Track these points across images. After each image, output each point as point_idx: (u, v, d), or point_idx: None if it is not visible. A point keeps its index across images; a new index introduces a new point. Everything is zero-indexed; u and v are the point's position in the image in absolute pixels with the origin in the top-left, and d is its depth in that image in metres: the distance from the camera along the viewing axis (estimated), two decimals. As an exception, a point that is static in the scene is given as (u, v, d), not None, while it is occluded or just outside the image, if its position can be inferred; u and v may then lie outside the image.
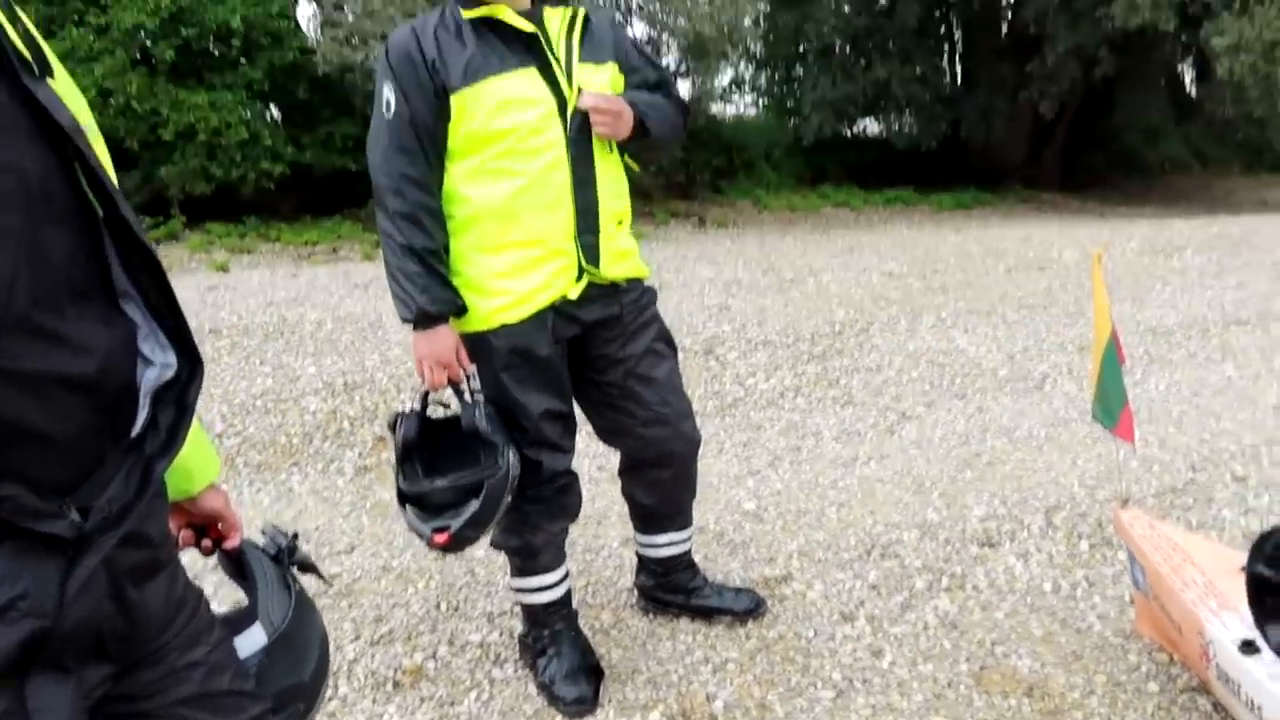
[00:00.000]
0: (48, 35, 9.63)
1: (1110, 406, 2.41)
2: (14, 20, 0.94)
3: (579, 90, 2.12)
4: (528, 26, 2.08)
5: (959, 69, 16.73)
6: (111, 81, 9.35)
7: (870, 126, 16.46)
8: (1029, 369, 5.10)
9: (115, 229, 0.98)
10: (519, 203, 2.10)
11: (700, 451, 2.49)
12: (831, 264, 8.34)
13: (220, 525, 1.32)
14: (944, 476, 3.62)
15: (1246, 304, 6.31)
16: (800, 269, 8.07)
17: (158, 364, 1.02)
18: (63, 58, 8.43)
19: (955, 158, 15.22)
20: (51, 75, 0.96)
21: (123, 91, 9.37)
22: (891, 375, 5.08)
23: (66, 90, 1.00)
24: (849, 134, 16.05)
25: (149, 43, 9.68)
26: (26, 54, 0.92)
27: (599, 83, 2.18)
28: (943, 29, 16.41)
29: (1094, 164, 16.38)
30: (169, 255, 9.05)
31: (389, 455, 4.10)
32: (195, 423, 1.27)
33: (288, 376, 5.12)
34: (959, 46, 16.77)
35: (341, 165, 10.51)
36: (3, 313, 0.86)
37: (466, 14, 2.07)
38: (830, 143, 14.91)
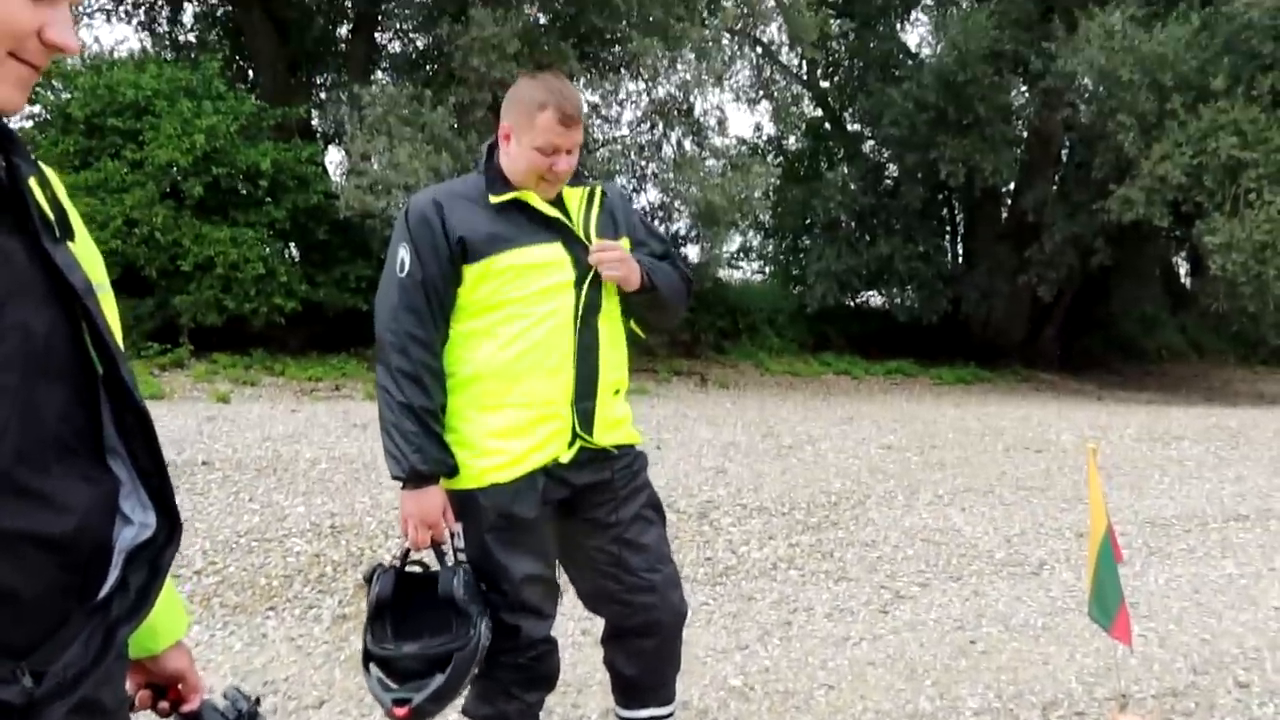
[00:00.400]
0: (84, 166, 10.02)
1: (1107, 605, 2.36)
2: (44, 185, 1.00)
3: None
4: (552, 211, 2.17)
5: (960, 249, 17.24)
6: (139, 212, 9.65)
7: (873, 298, 16.83)
8: (1026, 553, 5.02)
9: (112, 388, 1.00)
10: (521, 365, 2.13)
11: (688, 621, 2.44)
12: (831, 432, 8.35)
13: (181, 686, 1.28)
14: (938, 663, 3.51)
15: (1246, 499, 6.27)
16: (799, 435, 8.08)
17: (136, 523, 1.01)
18: (95, 188, 8.76)
19: (956, 333, 15.50)
20: (72, 238, 1.01)
21: (148, 222, 9.66)
22: (887, 551, 5.00)
23: (84, 251, 1.04)
24: (852, 304, 16.40)
25: (180, 178, 10.03)
26: (51, 217, 0.96)
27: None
28: (945, 211, 17.01)
29: (1092, 347, 16.65)
30: (173, 383, 9.10)
31: (369, 604, 4.00)
32: (167, 579, 1.25)
33: (275, 515, 5.06)
34: (960, 228, 17.33)
35: (353, 305, 10.71)
36: None
37: (494, 199, 2.15)
38: (833, 312, 15.21)
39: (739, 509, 5.56)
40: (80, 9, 12.67)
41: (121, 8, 13.24)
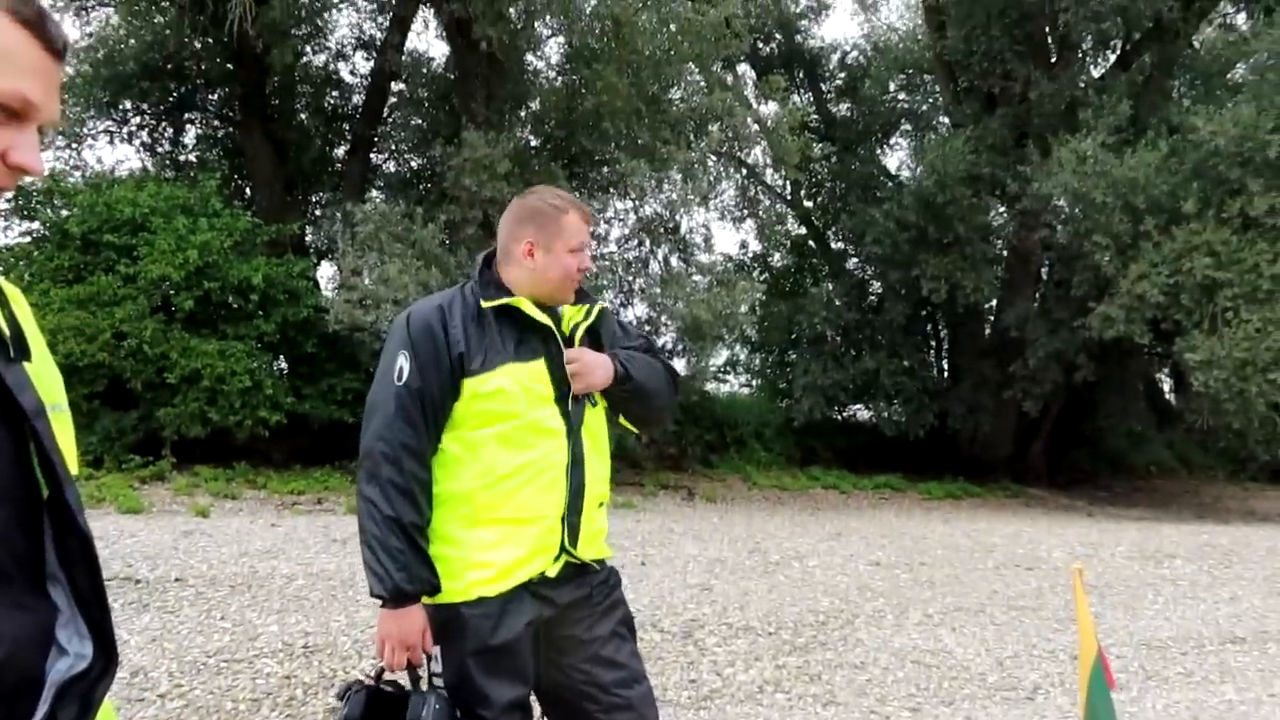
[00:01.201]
0: (77, 280, 10.11)
1: (1099, 733, 2.28)
2: (3, 305, 0.99)
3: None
4: (543, 318, 2.17)
5: (945, 364, 17.40)
6: (129, 325, 9.70)
7: (860, 412, 16.88)
8: (1020, 677, 4.89)
9: (56, 512, 0.98)
10: (517, 480, 2.10)
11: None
12: (818, 548, 8.24)
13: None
14: (929, 795, 3.37)
15: (1241, 620, 6.16)
16: (787, 551, 7.97)
17: (71, 654, 0.98)
18: (87, 301, 8.82)
19: (943, 447, 15.48)
20: (28, 358, 1.00)
21: (137, 335, 9.70)
22: (876, 674, 4.87)
23: (41, 371, 1.03)
24: (839, 418, 16.42)
25: (171, 292, 10.13)
26: (7, 335, 0.96)
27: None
28: (928, 326, 17.24)
29: (1080, 462, 16.63)
30: (153, 495, 8.97)
31: (339, 730, 3.85)
32: (108, 707, 1.19)
33: (247, 634, 4.91)
34: (945, 343, 17.53)
35: (339, 417, 10.67)
36: None
37: (485, 304, 2.15)
38: (820, 425, 15.22)
39: (724, 628, 5.43)
40: (83, 130, 13.02)
41: (125, 128, 13.60)
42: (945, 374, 17.03)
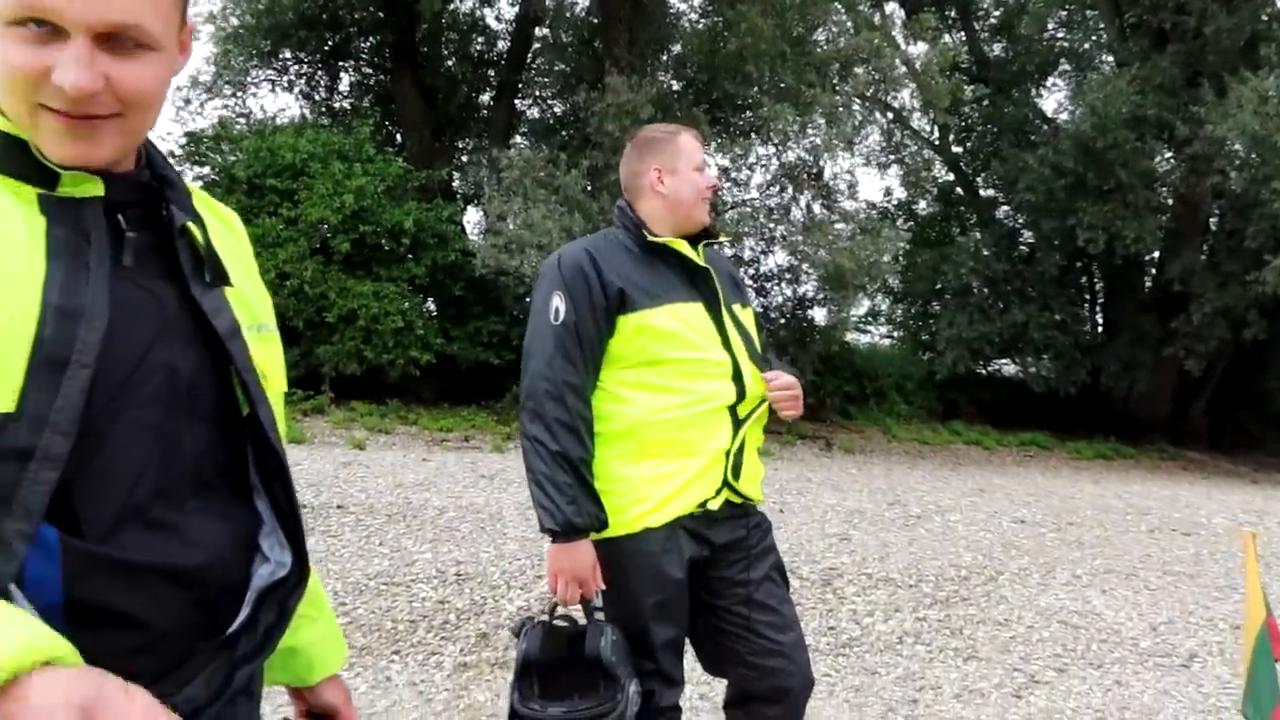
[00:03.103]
0: (245, 223, 10.69)
1: (1262, 705, 2.19)
2: (203, 231, 1.04)
3: (740, 333, 2.24)
4: (700, 261, 2.20)
5: (1100, 318, 16.56)
6: (290, 267, 10.24)
7: (1005, 367, 16.29)
8: (1175, 644, 4.71)
9: (254, 429, 1.03)
10: (686, 415, 2.13)
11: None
12: (960, 504, 8.07)
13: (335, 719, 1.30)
14: (1077, 755, 3.31)
15: None
16: (928, 505, 7.84)
17: (273, 562, 1.03)
18: (254, 242, 9.42)
19: (1094, 406, 14.80)
20: (226, 282, 1.04)
21: (298, 276, 10.23)
22: (1020, 632, 4.77)
23: (244, 294, 1.08)
24: (983, 372, 15.90)
25: (329, 235, 10.62)
26: (205, 260, 1.02)
27: (747, 322, 2.30)
28: (1083, 279, 16.39)
29: (1246, 424, 15.60)
30: (313, 428, 9.52)
31: (489, 655, 4.06)
32: (329, 611, 1.29)
33: (403, 560, 5.20)
34: (1100, 297, 16.66)
35: (484, 359, 11.03)
36: (123, 503, 0.90)
37: (650, 239, 2.20)
38: (964, 379, 14.78)
39: (864, 578, 5.42)
40: (246, 80, 13.66)
41: (285, 77, 14.22)
42: (1100, 329, 16.21)
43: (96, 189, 0.94)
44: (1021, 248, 15.56)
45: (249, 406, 1.02)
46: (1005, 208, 16.23)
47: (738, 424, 2.19)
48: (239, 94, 13.70)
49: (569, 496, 2.04)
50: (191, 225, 1.03)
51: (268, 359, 1.08)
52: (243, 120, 13.23)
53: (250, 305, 1.09)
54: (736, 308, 2.28)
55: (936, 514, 7.50)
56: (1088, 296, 16.70)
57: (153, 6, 0.92)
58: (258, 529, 1.04)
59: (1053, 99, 19.17)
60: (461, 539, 5.71)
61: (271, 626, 1.02)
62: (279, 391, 1.11)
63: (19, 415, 0.83)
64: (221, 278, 1.04)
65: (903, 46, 13.82)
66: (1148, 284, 15.35)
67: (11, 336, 0.84)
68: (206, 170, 11.52)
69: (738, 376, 2.19)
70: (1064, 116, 16.49)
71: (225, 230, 1.15)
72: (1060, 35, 16.92)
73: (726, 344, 2.19)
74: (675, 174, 2.22)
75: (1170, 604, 5.36)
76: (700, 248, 2.28)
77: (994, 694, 3.99)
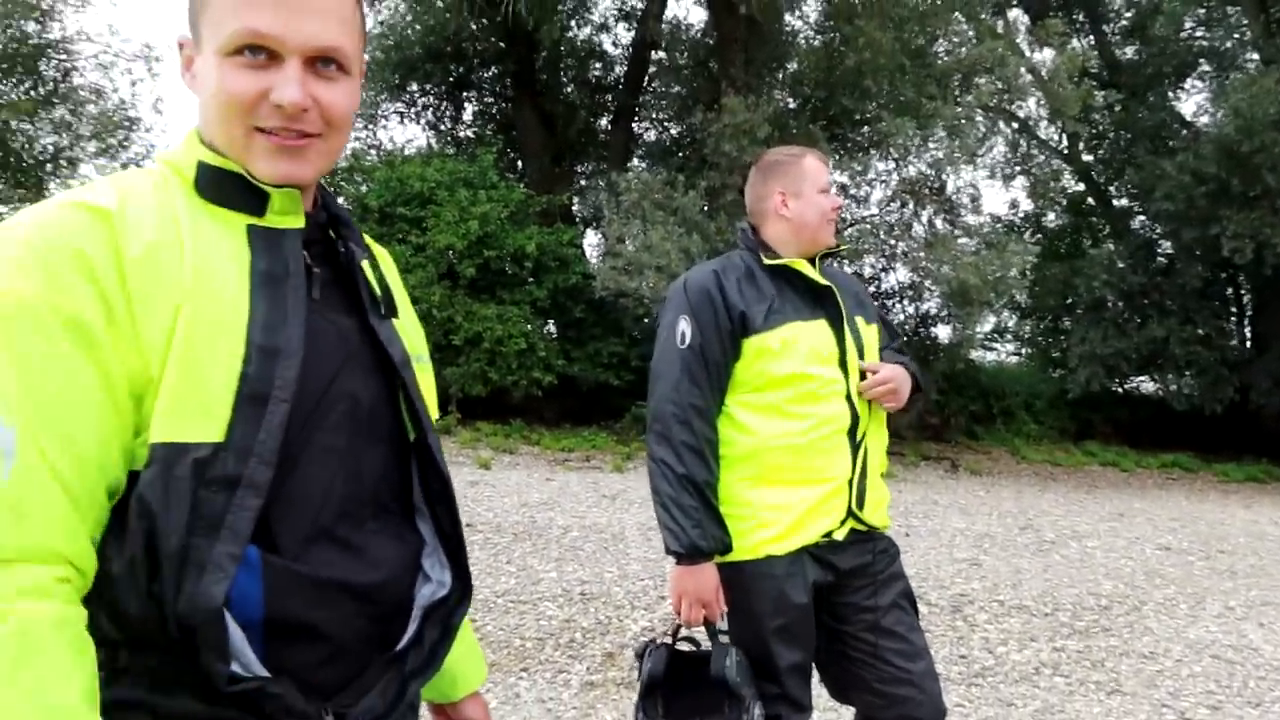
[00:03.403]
0: (375, 250, 11.16)
1: None
2: (374, 266, 1.12)
3: (858, 349, 2.22)
4: (822, 281, 2.20)
5: (1248, 332, 15.59)
6: (420, 292, 10.62)
7: (1144, 384, 15.51)
8: (1343, 682, 4.38)
9: (421, 453, 1.10)
10: (806, 441, 2.13)
11: (944, 724, 2.31)
12: (1099, 529, 7.72)
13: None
14: (1235, 799, 3.11)
15: None
16: (1062, 530, 7.53)
17: (434, 581, 1.09)
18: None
19: (1243, 425, 13.92)
20: (396, 314, 1.12)
21: (427, 300, 10.60)
22: (1168, 666, 4.53)
23: (406, 325, 1.15)
24: (1120, 390, 15.18)
25: (455, 261, 10.96)
26: (378, 295, 1.10)
27: (869, 339, 2.28)
28: (1229, 291, 15.49)
29: None
30: (442, 448, 9.81)
31: (615, 674, 4.09)
32: (468, 628, 1.34)
33: (530, 579, 5.30)
34: (1248, 310, 15.69)
35: (604, 379, 11.18)
36: (312, 523, 0.97)
37: (768, 261, 2.21)
38: (1098, 398, 14.14)
39: (995, 605, 5.24)
40: (377, 112, 14.28)
41: (412, 109, 14.80)
42: (1248, 343, 15.27)
43: (298, 221, 1.02)
44: (1160, 259, 14.81)
45: (416, 432, 1.09)
46: (1141, 217, 15.49)
47: (856, 447, 2.17)
48: (370, 126, 14.34)
49: (694, 520, 2.06)
50: (366, 261, 1.10)
51: (424, 388, 1.14)
52: (374, 151, 13.82)
53: (410, 337, 1.16)
54: (860, 322, 2.27)
55: (1072, 539, 7.20)
56: (1234, 309, 15.75)
57: (350, 34, 1.01)
58: (421, 549, 1.09)
59: (1191, 102, 18.32)
60: (585, 558, 5.78)
61: (436, 643, 1.08)
62: (433, 418, 1.17)
63: (227, 445, 0.91)
64: (392, 310, 1.12)
65: (1028, 54, 13.41)
66: (1302, 295, 14.38)
67: (222, 372, 0.92)
68: (341, 200, 11.99)
69: (849, 397, 2.18)
70: (1204, 120, 15.65)
71: (384, 266, 1.23)
72: (1199, 34, 16.11)
73: (843, 363, 2.18)
74: (800, 197, 2.23)
75: (1336, 639, 5.00)
76: (818, 261, 2.28)
77: (1141, 731, 3.79)
